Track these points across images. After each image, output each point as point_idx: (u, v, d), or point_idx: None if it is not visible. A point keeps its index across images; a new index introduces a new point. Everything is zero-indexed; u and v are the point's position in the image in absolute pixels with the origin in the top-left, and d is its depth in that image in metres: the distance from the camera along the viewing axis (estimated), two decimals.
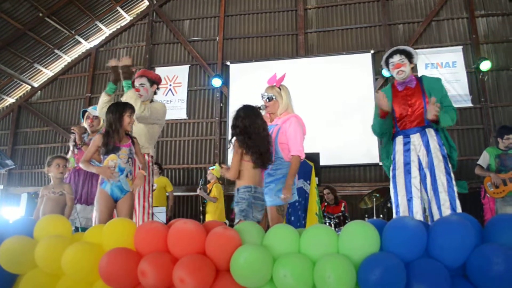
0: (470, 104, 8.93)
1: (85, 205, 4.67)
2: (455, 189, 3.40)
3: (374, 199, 7.08)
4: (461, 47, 9.29)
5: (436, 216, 3.35)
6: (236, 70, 10.23)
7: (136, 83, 4.18)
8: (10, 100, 11.66)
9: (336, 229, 6.43)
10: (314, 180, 5.56)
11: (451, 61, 9.18)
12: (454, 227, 2.22)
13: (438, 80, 3.73)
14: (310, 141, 8.54)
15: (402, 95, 3.68)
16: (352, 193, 8.83)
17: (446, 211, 3.32)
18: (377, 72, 9.44)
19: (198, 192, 7.31)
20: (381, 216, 7.30)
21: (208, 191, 7.49)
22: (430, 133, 3.55)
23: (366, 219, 7.27)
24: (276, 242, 2.38)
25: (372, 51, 9.62)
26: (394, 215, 3.59)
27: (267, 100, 3.82)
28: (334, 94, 9.49)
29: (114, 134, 3.41)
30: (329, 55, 9.86)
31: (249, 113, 3.25)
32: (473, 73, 9.16)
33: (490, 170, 5.79)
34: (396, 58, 3.69)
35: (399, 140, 3.65)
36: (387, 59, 3.79)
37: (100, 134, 3.47)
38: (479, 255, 2.19)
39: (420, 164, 3.51)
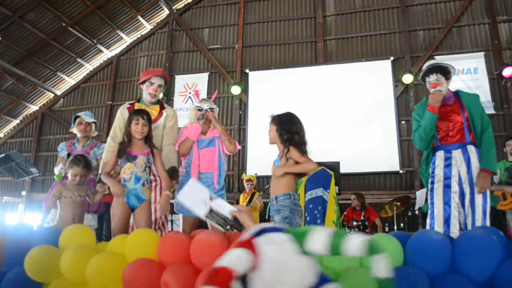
0: (492, 111, 8.77)
1: (86, 213, 4.69)
2: (488, 205, 3.40)
3: (395, 207, 7.00)
4: (482, 53, 9.16)
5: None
6: (255, 77, 10.28)
7: (155, 82, 3.98)
8: (33, 107, 11.93)
9: None
10: (334, 188, 5.53)
11: (472, 68, 9.06)
12: (479, 241, 2.19)
13: (476, 97, 3.70)
14: (330, 150, 8.66)
15: (442, 111, 3.63)
16: (371, 201, 8.73)
17: (480, 223, 3.33)
18: (397, 79, 9.36)
19: (257, 200, 7.09)
20: (401, 225, 7.22)
21: (246, 200, 7.21)
22: (471, 150, 3.54)
23: (387, 227, 7.26)
24: None
25: (391, 58, 9.56)
26: (428, 227, 3.59)
27: (209, 110, 3.76)
28: (353, 101, 9.44)
29: (127, 142, 3.43)
30: (348, 62, 9.84)
31: (293, 119, 3.20)
32: (495, 80, 9.02)
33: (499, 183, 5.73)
34: (432, 78, 3.66)
35: (440, 155, 3.63)
36: (424, 77, 3.75)
37: (117, 144, 3.48)
38: (506, 269, 2.16)
39: (460, 179, 3.51)
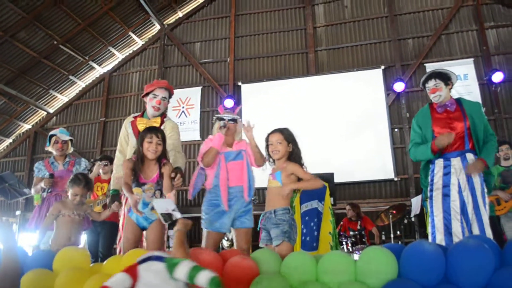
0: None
1: None
2: (488, 213, 3.44)
3: (391, 216, 7.00)
4: (472, 59, 9.25)
5: None
6: (247, 90, 10.31)
7: (159, 94, 3.83)
8: (26, 126, 11.89)
9: (354, 247, 6.37)
10: (328, 200, 5.54)
11: (462, 74, 9.13)
12: (472, 251, 2.20)
13: (478, 105, 3.74)
14: (325, 160, 8.68)
15: (443, 118, 3.67)
16: (367, 209, 8.74)
17: (489, 233, 3.33)
18: (388, 87, 9.42)
19: None
20: (398, 233, 7.22)
21: None
22: (470, 157, 3.54)
23: (383, 236, 7.26)
24: (293, 270, 2.38)
25: (382, 67, 9.63)
26: (430, 236, 3.59)
27: (231, 121, 3.70)
28: (346, 111, 9.48)
29: (141, 162, 3.24)
30: (339, 72, 9.90)
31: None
32: (485, 85, 9.10)
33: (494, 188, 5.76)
34: (431, 83, 3.69)
35: (439, 163, 3.63)
36: (424, 83, 3.79)
37: (128, 160, 3.32)
38: (499, 279, 2.17)
39: (459, 187, 3.51)
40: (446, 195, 3.52)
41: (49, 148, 4.91)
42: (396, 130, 9.34)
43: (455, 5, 9.65)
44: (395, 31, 9.87)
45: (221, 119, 3.69)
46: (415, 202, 7.53)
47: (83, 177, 4.04)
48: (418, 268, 2.22)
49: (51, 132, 4.97)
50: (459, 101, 3.72)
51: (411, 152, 3.83)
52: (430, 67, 9.14)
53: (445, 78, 3.68)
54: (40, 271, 2.69)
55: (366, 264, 2.29)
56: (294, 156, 3.17)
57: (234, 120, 3.72)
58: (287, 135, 3.25)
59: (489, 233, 3.33)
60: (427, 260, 2.21)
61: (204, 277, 1.80)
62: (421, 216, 7.42)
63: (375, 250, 2.33)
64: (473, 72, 9.13)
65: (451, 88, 3.72)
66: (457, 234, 3.40)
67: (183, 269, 1.84)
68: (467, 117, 3.58)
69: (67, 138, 4.93)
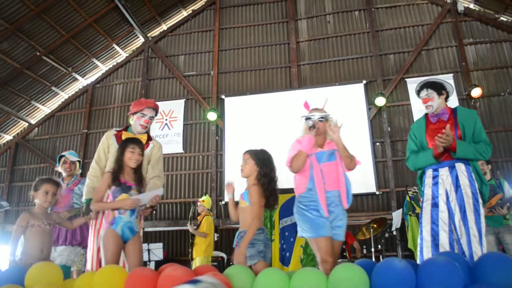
0: None
1: (70, 246, 4.67)
2: (482, 225, 3.34)
3: (372, 229, 7.05)
4: (451, 75, 9.42)
5: (466, 251, 3.29)
6: (231, 103, 10.35)
7: (147, 114, 3.90)
8: (7, 137, 11.73)
9: None
10: None
11: None
12: (441, 268, 2.24)
13: (473, 113, 3.65)
14: None
15: (435, 128, 3.62)
16: (349, 223, 8.66)
17: (476, 246, 3.26)
18: (370, 101, 9.54)
19: (188, 227, 7.07)
20: (379, 247, 7.27)
21: (198, 223, 7.23)
22: (460, 168, 3.48)
23: (365, 250, 7.30)
24: (266, 287, 2.38)
25: (364, 81, 9.76)
26: (418, 248, 3.54)
27: (320, 119, 3.46)
28: None
29: (120, 171, 3.32)
30: (322, 86, 9.99)
31: (270, 158, 3.23)
32: (464, 100, 9.28)
33: None
34: (423, 93, 3.68)
35: (429, 173, 3.62)
36: (418, 94, 3.78)
37: (108, 172, 3.36)
38: None
39: (447, 198, 3.47)
40: (435, 206, 3.49)
41: (59, 169, 5.19)
42: (377, 144, 9.43)
43: (435, 22, 9.86)
44: (376, 47, 10.02)
45: (309, 118, 3.44)
46: (396, 216, 7.60)
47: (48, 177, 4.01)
48: (389, 285, 2.24)
49: (61, 154, 5.29)
50: (454, 111, 3.65)
51: (409, 160, 3.76)
52: (411, 82, 9.33)
53: (438, 88, 3.63)
54: (11, 287, 2.65)
55: (338, 280, 2.31)
56: (260, 177, 3.13)
57: (324, 118, 3.46)
58: (253, 156, 3.20)
59: (476, 247, 3.24)
60: (398, 277, 2.24)
61: None
62: (402, 230, 7.49)
63: (347, 266, 2.35)
64: (453, 87, 9.27)
65: (446, 97, 3.67)
66: (444, 245, 3.35)
67: None
68: (459, 126, 3.53)
69: (75, 159, 5.21)
